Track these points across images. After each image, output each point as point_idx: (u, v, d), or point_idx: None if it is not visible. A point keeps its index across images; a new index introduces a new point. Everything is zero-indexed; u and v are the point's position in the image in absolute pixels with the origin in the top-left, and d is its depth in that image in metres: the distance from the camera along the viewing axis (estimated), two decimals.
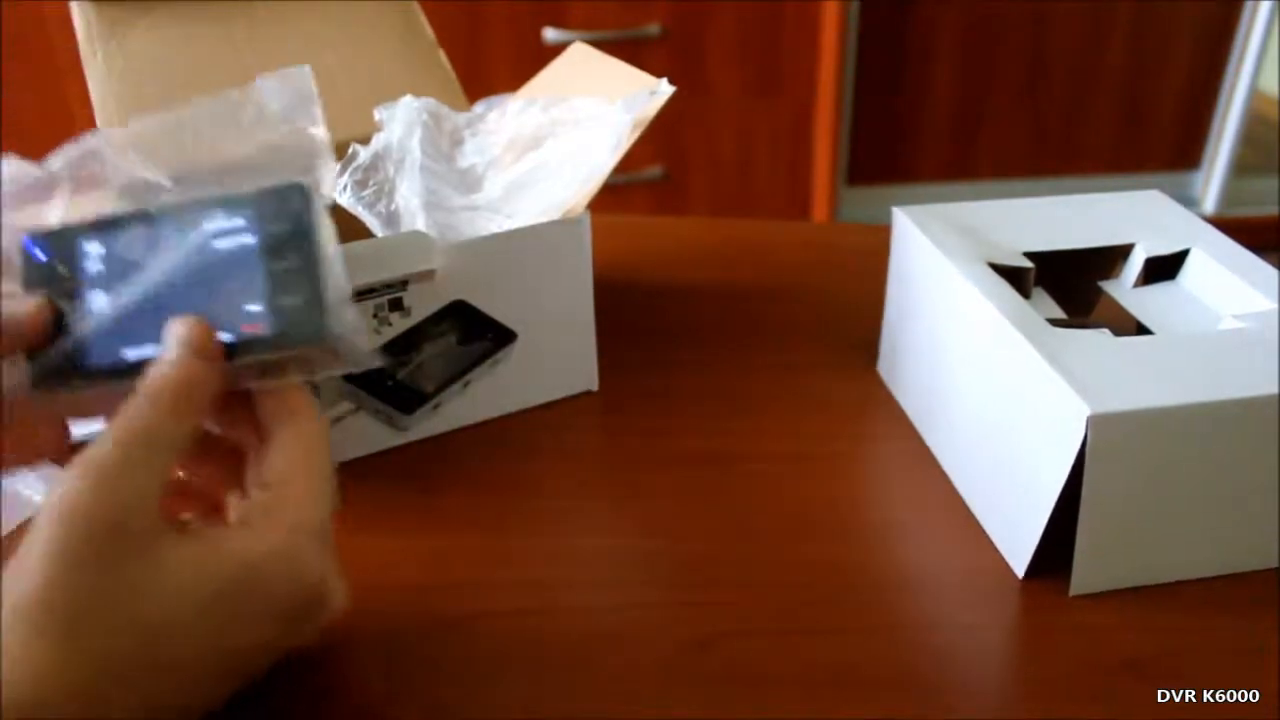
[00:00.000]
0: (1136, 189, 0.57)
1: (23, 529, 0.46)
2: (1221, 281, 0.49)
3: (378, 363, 0.38)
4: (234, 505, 0.38)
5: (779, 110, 1.71)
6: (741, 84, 1.68)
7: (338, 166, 0.38)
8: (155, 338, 0.35)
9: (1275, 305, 0.46)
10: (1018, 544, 0.43)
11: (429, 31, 0.60)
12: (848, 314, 0.63)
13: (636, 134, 0.50)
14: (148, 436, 0.32)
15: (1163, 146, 2.06)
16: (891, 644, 0.40)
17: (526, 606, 0.42)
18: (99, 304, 0.36)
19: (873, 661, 0.40)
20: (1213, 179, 2.08)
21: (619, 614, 0.42)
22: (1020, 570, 0.43)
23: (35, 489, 0.48)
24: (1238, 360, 0.41)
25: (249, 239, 0.36)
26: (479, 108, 0.57)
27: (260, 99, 0.39)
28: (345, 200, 0.49)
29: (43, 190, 0.38)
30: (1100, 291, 0.53)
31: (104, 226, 0.36)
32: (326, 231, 0.37)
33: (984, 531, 0.46)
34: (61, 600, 0.29)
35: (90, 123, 0.51)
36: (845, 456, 0.52)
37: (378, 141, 0.51)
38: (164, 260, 0.36)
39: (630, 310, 0.64)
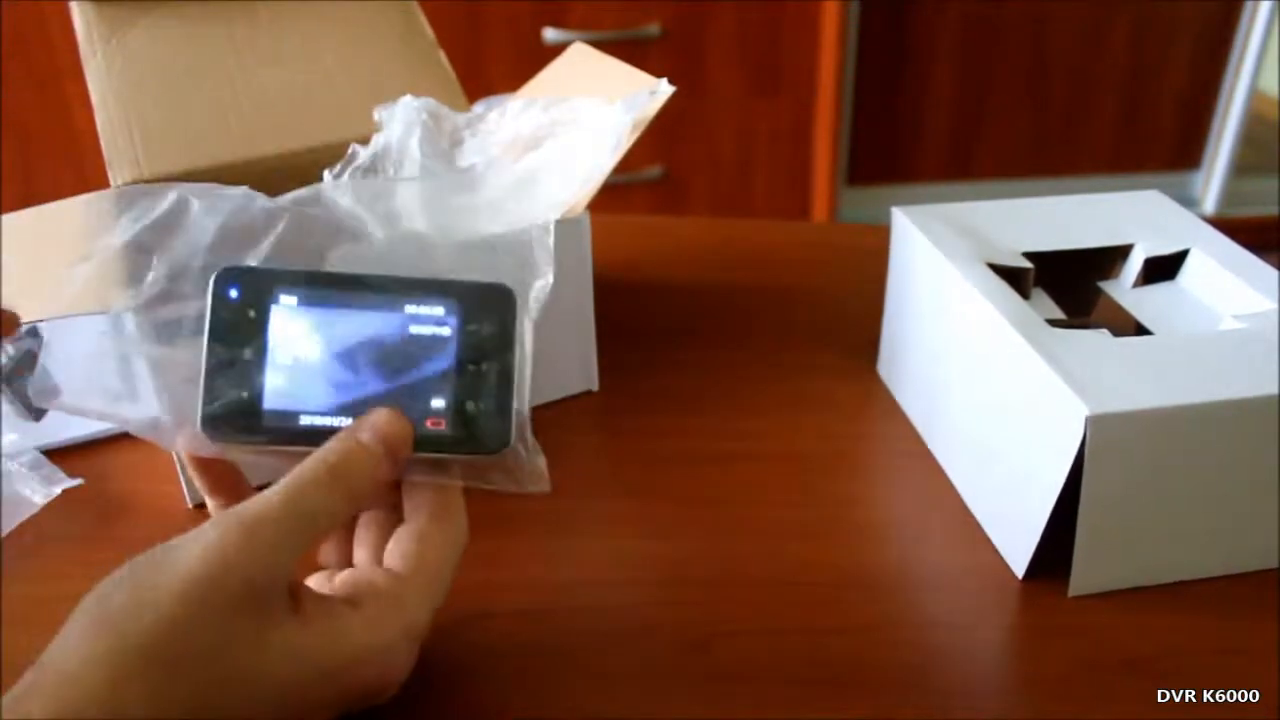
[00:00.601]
0: (1136, 189, 0.57)
1: (20, 531, 0.46)
2: (1221, 281, 0.49)
3: (546, 489, 0.36)
4: (334, 569, 0.38)
5: (779, 110, 1.71)
6: (741, 84, 1.68)
7: (551, 278, 0.37)
8: (333, 410, 0.34)
9: (1275, 305, 0.46)
10: (1017, 544, 0.43)
11: (429, 31, 0.60)
12: (848, 314, 0.63)
13: (636, 134, 0.50)
14: (314, 516, 0.32)
15: (1163, 146, 2.06)
16: (891, 644, 0.40)
17: (527, 606, 0.42)
18: (282, 360, 0.34)
19: (873, 661, 0.40)
20: (1213, 179, 2.08)
21: (619, 614, 0.42)
22: (1020, 570, 0.43)
23: (36, 489, 0.48)
24: (1238, 360, 0.41)
25: (446, 331, 0.35)
26: (479, 108, 0.57)
27: (499, 182, 0.38)
28: (345, 200, 0.49)
29: (263, 225, 0.37)
30: (1100, 292, 0.53)
31: (303, 280, 0.35)
32: (526, 344, 0.36)
33: (984, 531, 0.46)
34: (170, 645, 0.29)
35: (90, 123, 0.51)
36: (845, 456, 0.52)
37: (377, 141, 0.51)
38: (357, 332, 0.35)
39: (630, 310, 0.64)
